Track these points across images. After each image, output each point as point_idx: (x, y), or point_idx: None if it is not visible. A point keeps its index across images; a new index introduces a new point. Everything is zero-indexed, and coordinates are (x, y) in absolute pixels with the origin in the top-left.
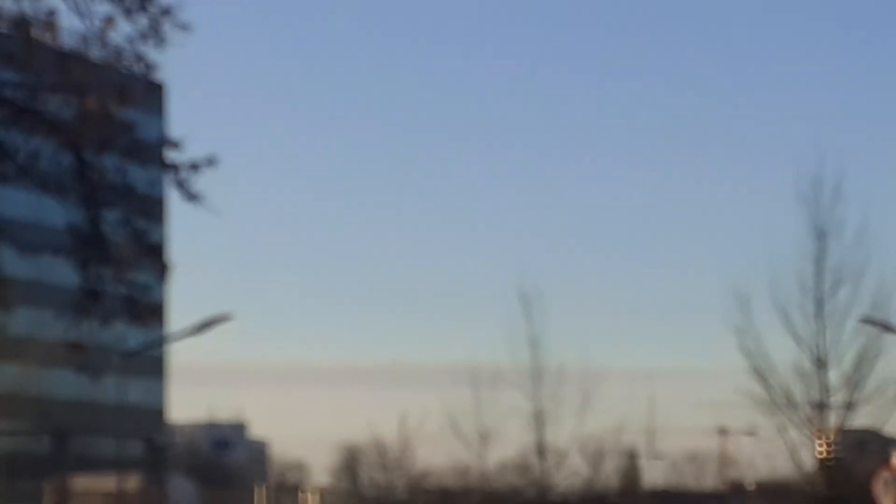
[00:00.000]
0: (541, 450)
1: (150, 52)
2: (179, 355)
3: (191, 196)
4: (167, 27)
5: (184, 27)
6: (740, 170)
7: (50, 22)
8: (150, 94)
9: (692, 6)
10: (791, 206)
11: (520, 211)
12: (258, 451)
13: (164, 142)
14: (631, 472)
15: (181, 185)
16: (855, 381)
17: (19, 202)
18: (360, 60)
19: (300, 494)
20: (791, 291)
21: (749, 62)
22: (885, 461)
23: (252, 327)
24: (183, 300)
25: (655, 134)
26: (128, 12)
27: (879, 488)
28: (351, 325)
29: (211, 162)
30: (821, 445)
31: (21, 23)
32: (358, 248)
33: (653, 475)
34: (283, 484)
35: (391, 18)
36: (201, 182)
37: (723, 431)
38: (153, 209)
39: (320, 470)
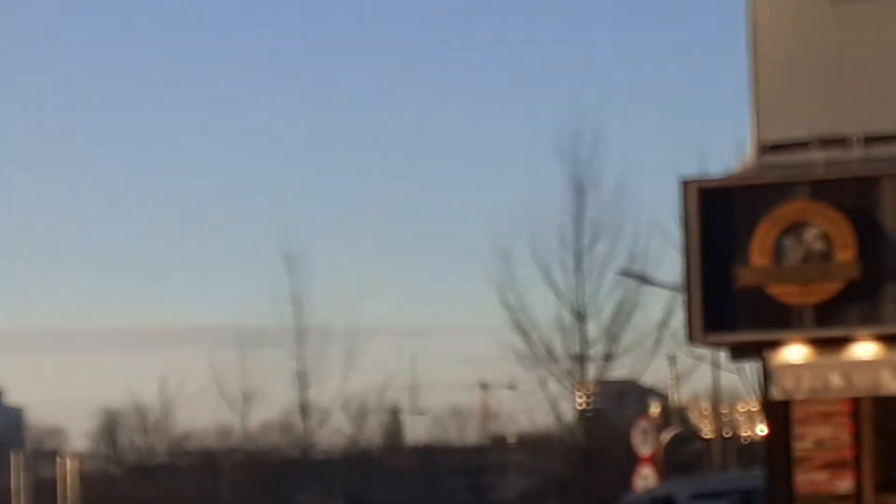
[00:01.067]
0: (304, 409)
1: None
2: None
3: None
4: None
5: None
6: (501, 123)
7: None
8: None
9: None
10: (551, 161)
11: (282, 166)
12: (14, 418)
13: None
14: (394, 428)
15: None
16: (613, 333)
17: None
18: None
19: (58, 460)
20: (551, 245)
21: (504, 18)
22: (644, 411)
23: (4, 292)
24: None
25: (412, 87)
26: None
27: (637, 437)
28: (110, 286)
29: None
30: (580, 397)
31: None
32: (113, 205)
33: (416, 431)
34: (40, 450)
35: None
36: None
37: (484, 386)
38: None
39: (79, 435)
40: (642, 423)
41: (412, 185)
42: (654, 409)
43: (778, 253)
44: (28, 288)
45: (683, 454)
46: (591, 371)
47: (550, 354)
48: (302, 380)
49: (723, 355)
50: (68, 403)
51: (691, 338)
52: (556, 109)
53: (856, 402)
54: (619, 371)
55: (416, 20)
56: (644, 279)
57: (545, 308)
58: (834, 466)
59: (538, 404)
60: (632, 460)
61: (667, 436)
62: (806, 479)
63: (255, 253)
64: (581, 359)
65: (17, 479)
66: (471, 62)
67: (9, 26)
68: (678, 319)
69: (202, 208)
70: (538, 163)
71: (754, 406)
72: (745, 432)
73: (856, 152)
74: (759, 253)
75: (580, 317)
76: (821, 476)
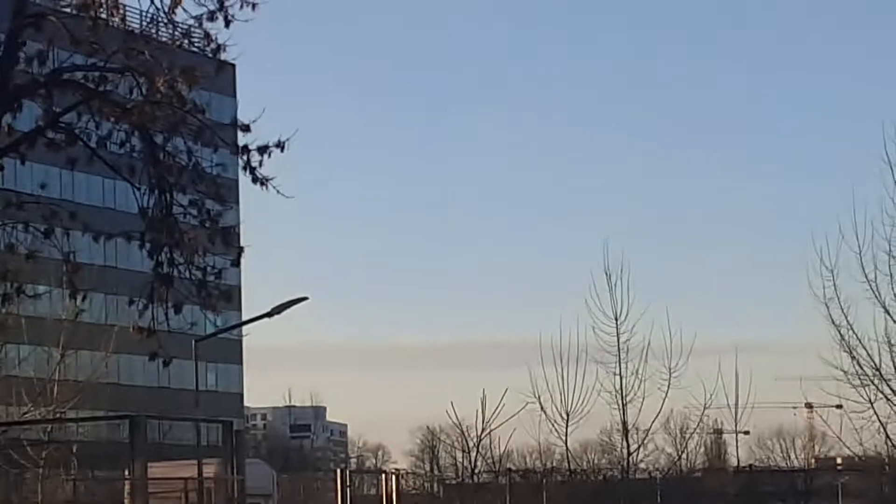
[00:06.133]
0: (625, 428)
1: (219, 31)
2: (256, 339)
3: (260, 179)
4: (234, 5)
5: (251, 4)
6: (828, 136)
7: (116, 3)
8: (221, 74)
9: None
10: (879, 172)
11: (604, 184)
12: (337, 435)
13: (235, 124)
14: (716, 448)
15: (251, 169)
16: None
17: (91, 187)
18: (428, 40)
19: (380, 477)
20: (880, 260)
21: (835, 29)
22: None
23: (328, 310)
24: (259, 283)
25: (739, 102)
26: None
27: None
28: (432, 304)
29: (281, 145)
30: None
31: (88, 5)
32: (441, 226)
33: (739, 451)
34: (362, 467)
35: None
36: (271, 164)
37: (809, 406)
38: (225, 192)
39: (400, 453)
40: None
41: (735, 197)
42: None
43: None
44: (351, 306)
45: None
46: None
47: (879, 373)
48: (622, 398)
49: None
50: (389, 421)
51: None
52: (886, 116)
53: None
54: None
55: (734, 46)
56: None
57: (873, 325)
58: None
59: (866, 425)
60: None
61: None
62: None
63: (576, 269)
64: None
65: (341, 496)
66: (793, 75)
67: None
68: None
69: (521, 226)
70: (867, 173)
71: None
72: None
73: None
74: None
75: None
76: None
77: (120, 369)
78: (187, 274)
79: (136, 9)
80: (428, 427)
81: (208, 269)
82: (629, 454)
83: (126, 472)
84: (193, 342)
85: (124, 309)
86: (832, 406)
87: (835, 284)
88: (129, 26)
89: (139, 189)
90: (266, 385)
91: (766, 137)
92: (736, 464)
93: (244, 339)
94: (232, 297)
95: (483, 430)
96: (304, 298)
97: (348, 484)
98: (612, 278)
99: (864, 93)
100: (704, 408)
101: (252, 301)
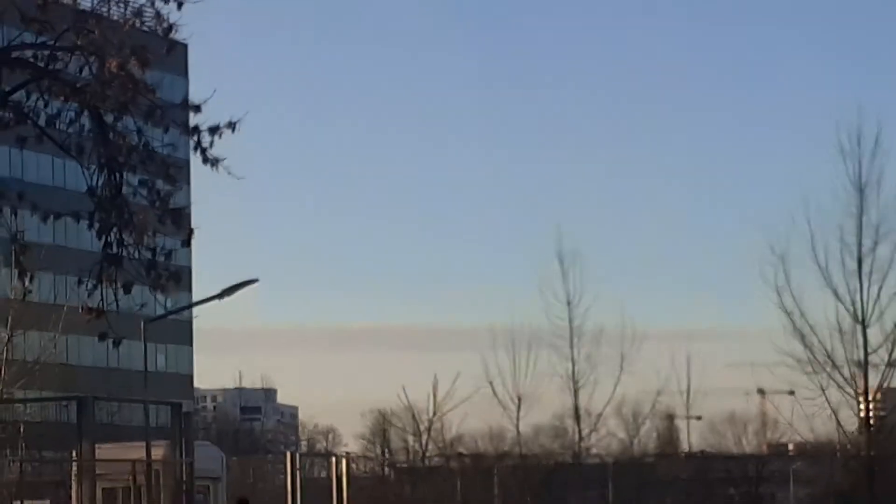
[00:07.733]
0: (577, 413)
1: (171, 11)
2: (208, 321)
3: (211, 160)
4: None
5: None
6: (780, 125)
7: None
8: (172, 54)
9: None
10: (831, 161)
11: (557, 170)
12: (287, 417)
13: (186, 104)
14: (668, 434)
15: (202, 149)
16: None
17: (40, 166)
18: (385, 19)
19: (330, 460)
20: (831, 248)
21: (788, 13)
22: None
23: (280, 292)
24: (209, 265)
25: (692, 89)
26: None
27: None
28: (384, 287)
29: (232, 125)
30: (863, 405)
31: None
32: (391, 209)
33: (691, 437)
34: (312, 450)
35: None
36: (223, 145)
37: (762, 392)
38: (175, 172)
39: (351, 436)
40: None
41: (688, 185)
42: None
43: None
44: (302, 288)
45: None
46: (874, 378)
47: (831, 360)
48: (575, 383)
49: None
50: (341, 404)
51: None
52: (839, 106)
53: None
54: None
55: (687, 25)
56: None
57: (825, 312)
58: None
59: (818, 412)
60: None
61: None
62: None
63: (530, 255)
64: (863, 365)
65: (291, 479)
66: (749, 65)
67: None
68: None
69: (478, 212)
70: (818, 162)
71: None
72: None
73: None
74: None
75: (862, 322)
76: None
77: (69, 350)
78: (137, 255)
79: None
80: (379, 410)
81: (158, 250)
82: (581, 439)
83: (73, 454)
84: (143, 323)
85: (73, 289)
86: (784, 392)
87: (785, 272)
88: (79, 5)
89: (88, 169)
90: (217, 367)
91: (720, 123)
92: (688, 449)
93: (194, 320)
94: (182, 278)
95: (434, 413)
96: (255, 280)
97: (298, 467)
98: (566, 264)
99: (817, 82)
100: (657, 393)
101: (202, 283)
